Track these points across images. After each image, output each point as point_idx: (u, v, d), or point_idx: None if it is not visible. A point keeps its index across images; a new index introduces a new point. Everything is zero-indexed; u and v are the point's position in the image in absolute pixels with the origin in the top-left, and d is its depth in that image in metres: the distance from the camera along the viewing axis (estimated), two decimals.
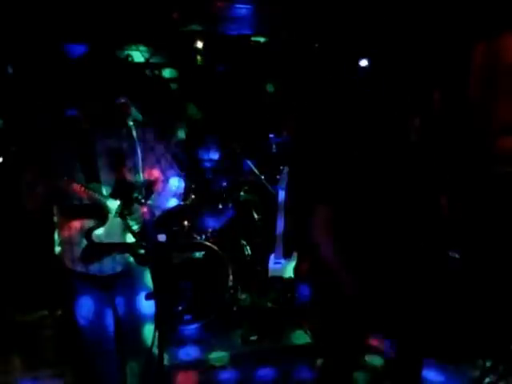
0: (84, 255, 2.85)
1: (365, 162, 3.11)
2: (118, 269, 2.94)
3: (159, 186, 3.12)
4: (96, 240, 2.80)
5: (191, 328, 4.83)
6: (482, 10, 5.00)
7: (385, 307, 3.00)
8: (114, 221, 2.84)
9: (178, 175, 3.27)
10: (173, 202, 3.27)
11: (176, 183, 3.24)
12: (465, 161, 5.30)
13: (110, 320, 3.02)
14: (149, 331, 2.94)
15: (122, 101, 2.67)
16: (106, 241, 2.84)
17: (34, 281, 5.12)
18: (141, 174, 2.75)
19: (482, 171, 5.08)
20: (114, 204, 2.85)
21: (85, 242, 2.80)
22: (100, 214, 2.82)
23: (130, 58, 5.31)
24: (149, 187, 2.84)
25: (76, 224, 2.85)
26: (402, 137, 3.16)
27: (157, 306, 2.47)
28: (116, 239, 2.87)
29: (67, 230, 2.88)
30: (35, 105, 4.87)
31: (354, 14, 5.64)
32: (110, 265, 2.92)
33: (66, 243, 2.90)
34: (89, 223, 2.83)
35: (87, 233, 2.79)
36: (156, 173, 3.10)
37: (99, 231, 2.81)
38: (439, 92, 5.39)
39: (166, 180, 3.17)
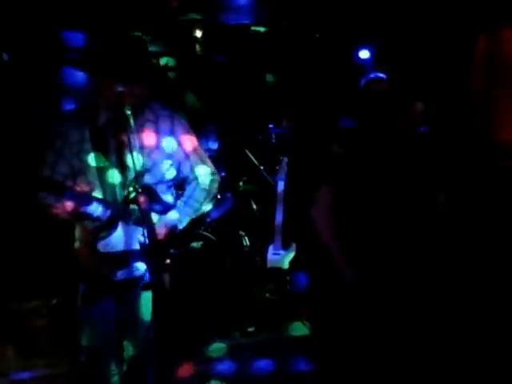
0: (99, 265, 2.67)
1: (367, 148, 3.09)
2: (136, 273, 2.72)
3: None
4: (103, 249, 2.63)
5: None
6: (482, 3, 4.96)
7: (384, 299, 2.97)
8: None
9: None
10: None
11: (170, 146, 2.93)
12: (465, 155, 5.27)
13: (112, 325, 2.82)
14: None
15: (120, 89, 2.54)
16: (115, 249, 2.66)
17: (30, 269, 5.10)
18: (137, 164, 2.59)
19: (483, 165, 5.04)
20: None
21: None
22: (108, 222, 2.63)
23: None
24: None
25: (89, 226, 2.68)
26: (405, 124, 3.12)
27: (155, 298, 2.40)
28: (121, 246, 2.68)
29: (83, 230, 2.72)
30: (31, 94, 4.84)
31: (354, 3, 5.62)
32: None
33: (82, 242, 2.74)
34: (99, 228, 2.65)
35: (92, 244, 2.62)
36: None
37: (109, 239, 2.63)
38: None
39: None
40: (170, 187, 2.83)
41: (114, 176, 2.63)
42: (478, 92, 5.12)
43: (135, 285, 2.68)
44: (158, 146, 2.73)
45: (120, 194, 2.63)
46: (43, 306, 4.77)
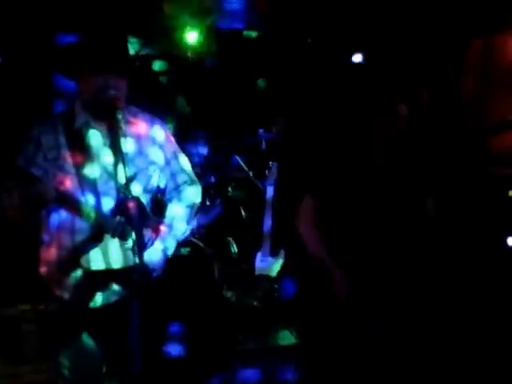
0: (78, 288, 2.44)
1: (353, 154, 3.08)
2: (112, 298, 2.50)
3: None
4: (86, 265, 2.40)
5: (174, 326, 4.77)
6: (477, 8, 4.98)
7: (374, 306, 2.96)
8: (110, 240, 2.44)
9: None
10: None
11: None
12: (456, 160, 5.28)
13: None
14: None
15: (112, 93, 2.38)
16: (101, 267, 2.42)
17: (16, 273, 5.03)
18: (127, 170, 2.32)
19: (474, 172, 5.05)
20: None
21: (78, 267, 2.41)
22: (94, 231, 2.41)
23: None
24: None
25: (67, 242, 2.45)
26: (390, 128, 3.10)
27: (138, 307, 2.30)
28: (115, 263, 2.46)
29: (57, 249, 2.48)
30: (24, 96, 4.79)
31: (347, 8, 5.62)
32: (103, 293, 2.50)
33: (54, 265, 2.49)
34: (81, 242, 2.42)
35: (75, 256, 2.39)
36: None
37: (92, 254, 2.41)
38: (427, 87, 5.38)
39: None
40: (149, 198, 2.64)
41: (100, 183, 2.46)
42: (469, 91, 5.15)
43: (119, 313, 2.42)
44: (141, 152, 2.56)
45: (106, 202, 2.44)
46: (30, 311, 4.70)
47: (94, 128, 2.49)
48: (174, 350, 4.51)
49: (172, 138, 2.74)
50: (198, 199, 2.79)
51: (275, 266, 4.82)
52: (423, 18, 5.31)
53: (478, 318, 3.74)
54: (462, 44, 5.38)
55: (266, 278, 4.79)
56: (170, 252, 2.62)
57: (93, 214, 2.37)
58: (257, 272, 4.81)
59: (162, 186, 2.69)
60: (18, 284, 4.95)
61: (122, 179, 2.36)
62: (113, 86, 2.40)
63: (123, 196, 2.32)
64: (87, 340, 2.52)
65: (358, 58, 6.06)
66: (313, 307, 3.17)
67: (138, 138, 2.57)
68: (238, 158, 5.42)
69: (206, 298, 4.84)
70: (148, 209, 2.58)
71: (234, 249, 5.34)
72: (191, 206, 2.74)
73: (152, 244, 2.54)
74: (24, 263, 4.80)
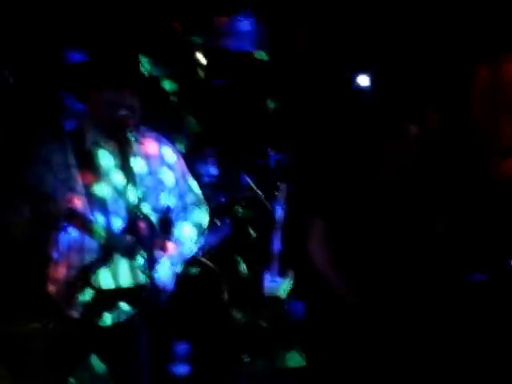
0: (88, 307, 2.44)
1: (362, 173, 3.08)
2: (122, 317, 2.49)
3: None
4: (95, 284, 2.42)
5: (182, 346, 4.74)
6: (483, 33, 5.00)
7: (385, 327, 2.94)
8: (120, 259, 2.46)
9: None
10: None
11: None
12: (463, 183, 5.27)
13: None
14: None
15: (124, 113, 2.38)
16: (110, 286, 2.45)
17: (26, 290, 5.02)
18: (138, 190, 2.38)
19: (483, 195, 5.04)
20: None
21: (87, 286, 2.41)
22: (104, 250, 2.41)
23: None
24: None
25: (77, 261, 2.46)
26: (400, 150, 3.10)
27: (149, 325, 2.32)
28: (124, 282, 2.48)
29: (66, 268, 2.49)
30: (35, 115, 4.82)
31: (354, 30, 5.65)
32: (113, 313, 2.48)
33: (63, 284, 2.49)
34: (91, 261, 2.41)
35: (85, 275, 2.39)
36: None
37: (102, 273, 2.43)
38: (436, 112, 5.38)
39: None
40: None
41: (110, 203, 2.44)
42: (478, 118, 5.15)
43: (129, 332, 2.46)
44: (150, 171, 2.57)
45: (116, 222, 2.43)
46: (39, 329, 4.66)
47: (103, 148, 2.49)
48: (181, 369, 4.49)
49: (181, 158, 2.76)
50: (205, 220, 2.81)
51: (284, 287, 4.79)
52: (431, 42, 5.33)
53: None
54: (470, 69, 5.39)
55: (275, 299, 4.76)
56: (178, 270, 2.63)
57: (103, 234, 2.36)
58: (266, 293, 4.78)
59: (170, 205, 2.68)
60: (26, 302, 4.95)
61: (132, 199, 2.37)
62: (125, 105, 2.40)
63: (134, 215, 2.32)
64: (96, 360, 2.49)
65: (364, 80, 6.08)
66: (322, 329, 3.15)
67: (148, 158, 2.58)
68: (247, 178, 5.41)
69: (214, 317, 4.82)
70: (157, 228, 2.58)
71: (243, 269, 5.32)
72: (199, 226, 2.75)
73: (161, 263, 2.53)
74: (33, 281, 4.81)
